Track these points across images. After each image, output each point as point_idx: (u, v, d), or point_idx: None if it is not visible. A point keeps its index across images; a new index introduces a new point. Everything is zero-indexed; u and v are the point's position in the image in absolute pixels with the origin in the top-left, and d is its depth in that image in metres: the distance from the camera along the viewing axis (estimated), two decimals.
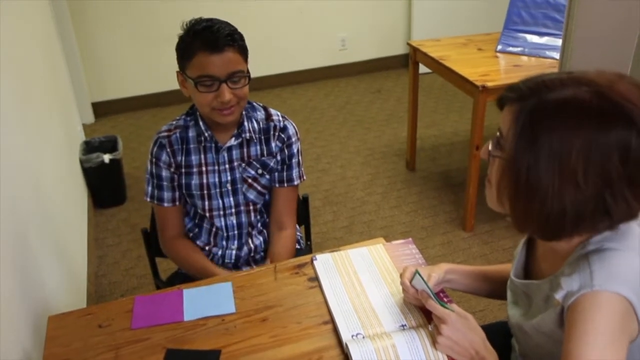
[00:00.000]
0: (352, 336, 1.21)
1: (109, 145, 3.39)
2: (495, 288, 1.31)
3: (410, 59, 3.26)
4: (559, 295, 0.95)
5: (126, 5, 4.29)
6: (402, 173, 3.57)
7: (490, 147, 1.00)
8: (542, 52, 2.92)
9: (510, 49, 2.99)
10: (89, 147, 3.35)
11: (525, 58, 2.91)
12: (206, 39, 1.45)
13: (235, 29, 1.51)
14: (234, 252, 1.73)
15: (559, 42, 2.76)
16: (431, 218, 3.10)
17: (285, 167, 1.70)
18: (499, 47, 3.02)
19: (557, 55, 2.79)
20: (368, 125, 4.25)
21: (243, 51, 1.52)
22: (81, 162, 3.18)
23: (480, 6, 4.95)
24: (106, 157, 3.17)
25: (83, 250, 2.70)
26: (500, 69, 2.86)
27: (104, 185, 3.28)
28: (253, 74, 1.59)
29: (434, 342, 1.12)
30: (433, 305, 1.13)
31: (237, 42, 1.49)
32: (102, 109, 4.51)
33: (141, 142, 4.09)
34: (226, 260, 1.74)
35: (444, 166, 3.64)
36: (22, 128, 1.95)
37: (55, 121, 2.77)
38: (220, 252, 1.73)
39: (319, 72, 5.10)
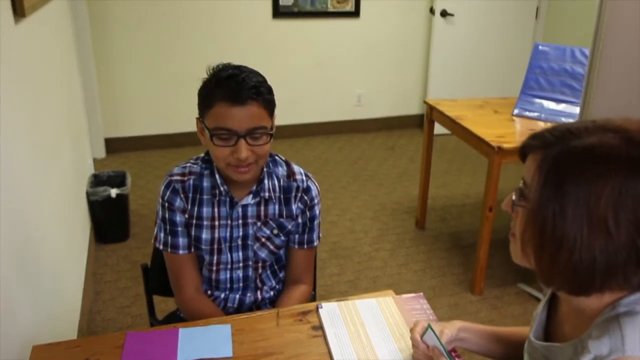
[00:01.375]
0: None
1: (117, 180, 3.36)
2: (509, 351, 1.23)
3: (426, 117, 3.26)
4: None
5: (148, 46, 4.37)
6: (412, 231, 3.51)
7: (513, 197, 0.95)
8: (558, 119, 2.90)
9: (527, 113, 2.97)
10: (97, 181, 3.33)
11: (541, 123, 2.89)
12: (229, 89, 1.33)
13: (264, 80, 1.40)
14: (237, 296, 1.64)
15: (576, 109, 2.75)
16: (439, 278, 3.01)
17: (306, 229, 1.60)
18: (516, 111, 3.01)
19: None
20: (380, 181, 4.22)
21: (269, 105, 1.39)
22: (88, 194, 3.14)
23: (497, 71, 5.02)
24: (113, 192, 3.13)
25: (79, 283, 2.63)
26: (516, 132, 2.84)
27: (109, 220, 3.23)
28: None
29: None
30: None
31: (263, 95, 1.37)
32: (114, 145, 4.52)
33: (149, 180, 4.06)
34: (228, 304, 1.64)
35: (454, 227, 3.58)
36: (30, 152, 1.92)
37: (65, 151, 2.75)
38: (222, 295, 1.64)
39: (333, 126, 5.12)
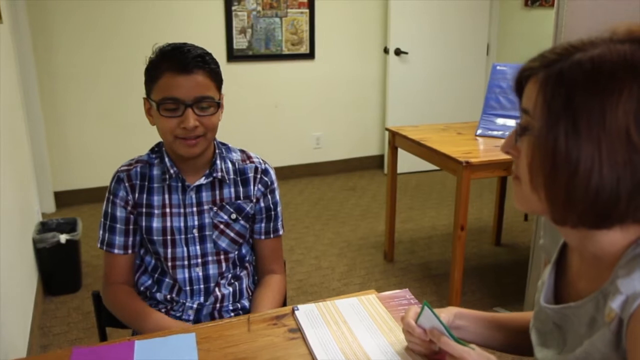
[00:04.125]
0: None
1: (67, 227, 3.14)
2: (511, 339, 1.10)
3: (389, 144, 3.20)
4: (615, 304, 0.75)
5: (100, 96, 4.22)
6: (381, 264, 3.38)
7: (515, 127, 0.85)
8: None
9: (490, 132, 2.95)
10: (44, 228, 3.10)
11: None
12: (174, 59, 1.31)
13: (209, 52, 1.38)
14: (196, 303, 1.48)
15: None
16: None
17: (271, 217, 1.54)
18: (479, 131, 2.98)
19: None
20: (343, 220, 4.10)
21: (215, 76, 1.36)
22: (34, 242, 2.91)
23: (454, 105, 5.05)
24: (62, 238, 2.91)
25: (24, 338, 2.37)
26: (481, 149, 2.79)
27: (58, 269, 2.98)
28: None
29: None
30: (449, 343, 0.91)
31: (209, 64, 1.34)
32: (64, 199, 4.27)
33: None
34: (187, 304, 1.47)
35: (424, 258, 3.46)
36: None
37: (7, 192, 2.54)
38: (182, 301, 1.48)
39: (293, 170, 5.02)
